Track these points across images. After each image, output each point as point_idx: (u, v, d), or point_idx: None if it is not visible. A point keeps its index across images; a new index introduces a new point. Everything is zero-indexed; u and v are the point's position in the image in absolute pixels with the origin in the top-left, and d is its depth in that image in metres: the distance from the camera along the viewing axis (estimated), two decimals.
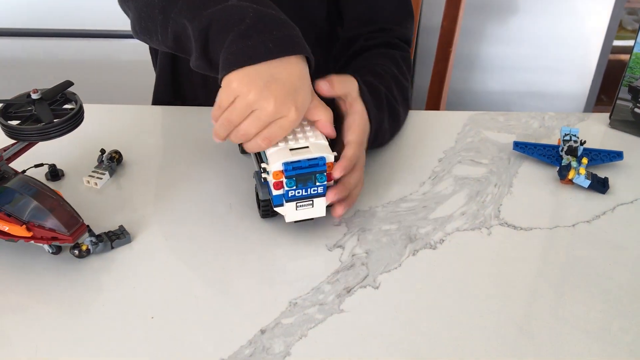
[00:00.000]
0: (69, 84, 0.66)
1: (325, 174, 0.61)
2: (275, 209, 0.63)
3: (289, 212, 0.62)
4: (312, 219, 0.64)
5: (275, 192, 0.61)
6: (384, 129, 0.75)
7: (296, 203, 0.62)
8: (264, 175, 0.62)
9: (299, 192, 0.61)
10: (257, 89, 0.57)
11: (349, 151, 0.64)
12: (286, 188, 0.60)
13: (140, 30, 0.69)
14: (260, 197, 0.64)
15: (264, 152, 0.62)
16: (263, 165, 0.62)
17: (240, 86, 0.57)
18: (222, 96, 0.59)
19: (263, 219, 0.68)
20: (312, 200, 0.62)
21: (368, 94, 0.70)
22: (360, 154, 0.65)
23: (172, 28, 0.63)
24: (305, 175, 0.60)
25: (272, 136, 0.59)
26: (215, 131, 0.62)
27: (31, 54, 1.66)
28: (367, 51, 0.83)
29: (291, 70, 0.59)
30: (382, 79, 0.77)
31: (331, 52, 0.91)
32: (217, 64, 0.60)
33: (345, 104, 0.68)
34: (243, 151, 0.78)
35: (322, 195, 0.62)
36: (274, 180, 0.60)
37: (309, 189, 0.61)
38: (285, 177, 0.60)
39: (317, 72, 0.67)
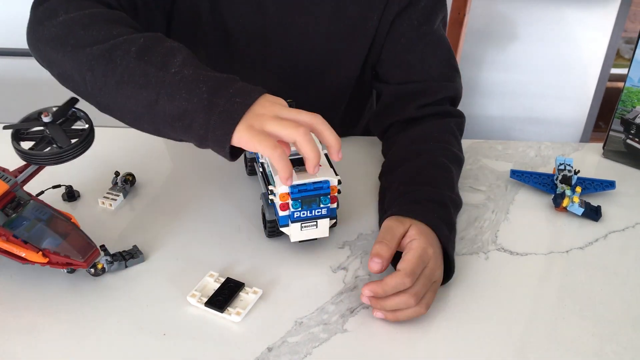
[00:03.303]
0: (75, 100, 0.67)
1: (329, 196, 0.64)
2: (281, 229, 0.66)
3: (294, 232, 0.65)
4: (315, 239, 0.67)
5: (281, 213, 0.64)
6: (452, 223, 0.69)
7: (301, 224, 0.65)
8: (270, 197, 0.65)
9: (304, 214, 0.64)
10: None
11: (390, 279, 0.59)
12: (292, 209, 0.63)
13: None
14: (267, 218, 0.68)
15: (272, 174, 0.65)
16: (270, 187, 0.65)
17: None
18: None
19: (269, 238, 0.71)
20: (317, 222, 0.65)
21: (432, 214, 0.65)
22: (405, 282, 0.58)
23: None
24: (310, 198, 0.63)
25: None
26: None
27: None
28: (419, 122, 0.80)
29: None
30: (444, 171, 0.73)
31: (360, 109, 0.91)
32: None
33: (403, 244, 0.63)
34: (250, 173, 0.82)
35: (326, 216, 0.65)
36: (280, 202, 0.63)
37: (313, 211, 0.64)
38: (291, 199, 0.63)
39: (346, 129, 0.69)
